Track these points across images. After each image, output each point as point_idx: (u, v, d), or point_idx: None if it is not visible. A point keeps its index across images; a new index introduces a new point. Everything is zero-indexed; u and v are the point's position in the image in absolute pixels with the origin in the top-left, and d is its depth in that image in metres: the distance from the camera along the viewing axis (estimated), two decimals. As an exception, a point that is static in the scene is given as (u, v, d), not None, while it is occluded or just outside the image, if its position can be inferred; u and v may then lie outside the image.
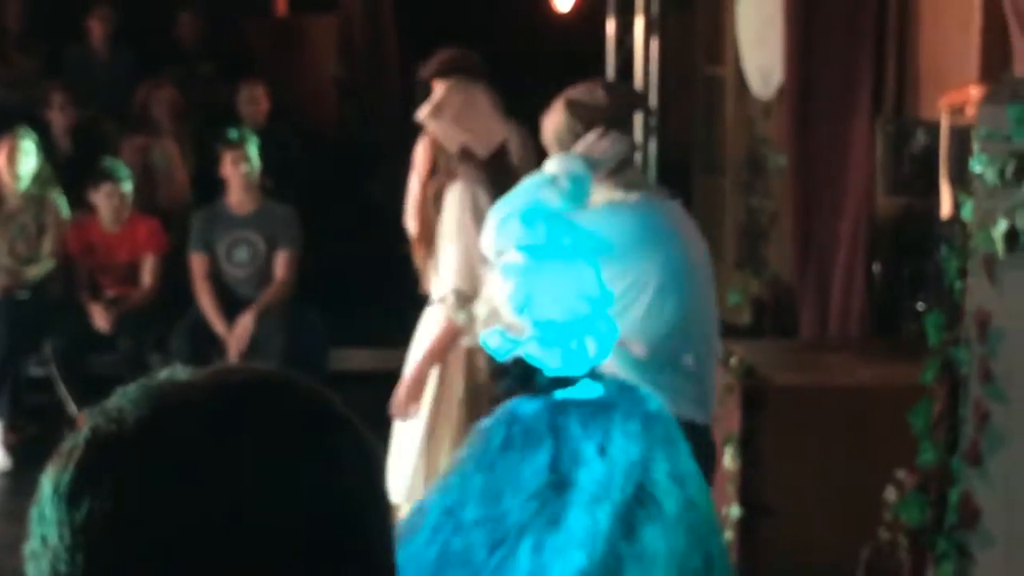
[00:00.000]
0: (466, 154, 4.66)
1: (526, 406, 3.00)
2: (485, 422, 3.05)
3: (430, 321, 4.73)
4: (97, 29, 9.30)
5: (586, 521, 2.91)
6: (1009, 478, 3.96)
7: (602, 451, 2.93)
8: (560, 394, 2.98)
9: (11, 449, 7.25)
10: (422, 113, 4.86)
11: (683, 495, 2.99)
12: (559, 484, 2.92)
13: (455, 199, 4.59)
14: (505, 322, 3.03)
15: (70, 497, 1.04)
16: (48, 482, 1.06)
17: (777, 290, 6.33)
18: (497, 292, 3.06)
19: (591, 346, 3.02)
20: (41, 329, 7.54)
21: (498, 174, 4.50)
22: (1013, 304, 3.93)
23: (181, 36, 9.56)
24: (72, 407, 7.39)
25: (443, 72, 5.06)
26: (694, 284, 3.87)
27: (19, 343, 7.52)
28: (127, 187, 7.62)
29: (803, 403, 4.99)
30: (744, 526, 4.98)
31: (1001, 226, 3.88)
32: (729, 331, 6.24)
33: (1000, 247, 3.89)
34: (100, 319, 7.45)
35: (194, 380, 1.09)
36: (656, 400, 3.11)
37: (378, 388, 6.03)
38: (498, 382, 3.08)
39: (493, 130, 4.43)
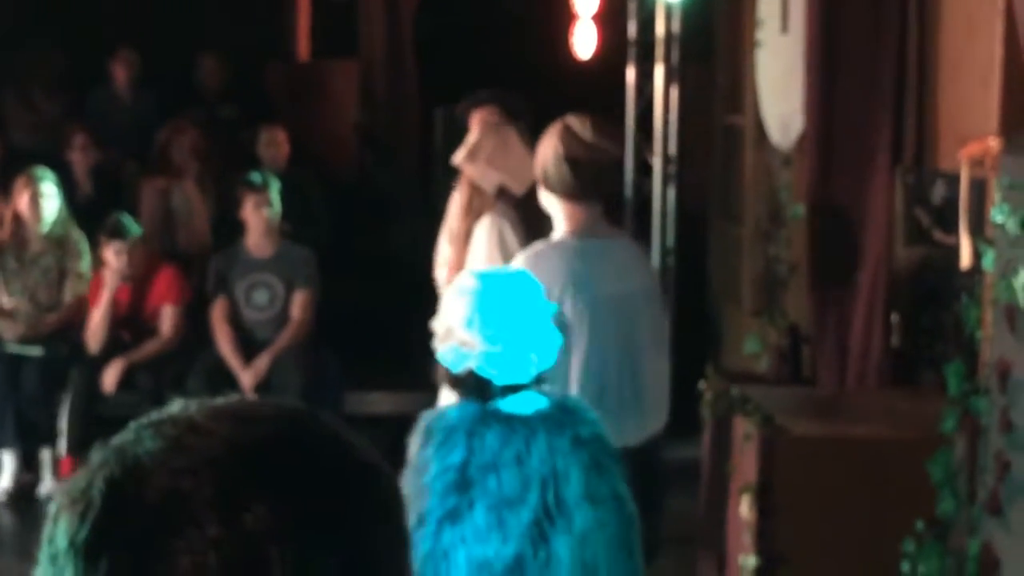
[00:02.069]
0: (503, 193, 4.80)
1: (454, 411, 3.24)
2: (424, 419, 3.26)
3: None
4: (120, 72, 9.37)
5: (492, 519, 3.12)
6: (1029, 529, 3.93)
7: (518, 459, 3.16)
8: (506, 403, 3.23)
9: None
10: (458, 157, 4.98)
11: (594, 515, 3.18)
12: (464, 483, 3.14)
13: (483, 234, 4.75)
14: (458, 338, 3.28)
15: (87, 554, 1.03)
16: (62, 532, 1.04)
17: (795, 339, 6.31)
18: (450, 311, 3.32)
19: (534, 357, 3.29)
20: (55, 386, 7.49)
21: (532, 212, 4.59)
22: (1033, 354, 3.91)
23: (203, 80, 9.62)
24: (63, 446, 7.37)
25: (483, 103, 5.19)
26: (611, 317, 4.13)
27: (26, 408, 7.48)
28: (135, 240, 7.50)
29: (821, 452, 4.96)
30: (761, 575, 4.95)
31: (1022, 276, 3.87)
32: (747, 379, 6.22)
33: (1021, 297, 3.88)
34: (109, 380, 7.40)
35: (212, 427, 1.06)
36: (596, 425, 3.29)
37: (393, 431, 6.03)
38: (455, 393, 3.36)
39: (527, 169, 4.52)
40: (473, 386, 3.25)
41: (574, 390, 4.05)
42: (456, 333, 3.28)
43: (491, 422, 3.19)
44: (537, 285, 3.42)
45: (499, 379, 3.26)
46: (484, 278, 3.39)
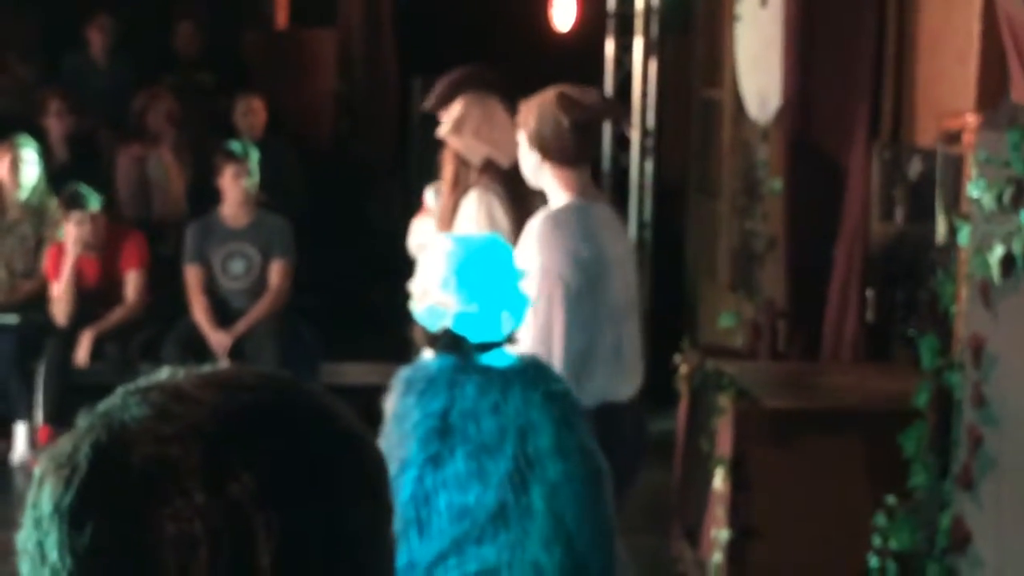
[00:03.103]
0: (490, 165, 4.82)
1: (434, 363, 3.38)
2: (403, 372, 3.37)
3: None
4: (96, 38, 9.30)
5: (472, 466, 3.24)
6: (1000, 502, 3.97)
7: (496, 408, 3.29)
8: (481, 358, 3.38)
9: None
10: (443, 130, 4.98)
11: (563, 468, 3.31)
12: (445, 430, 3.26)
13: (471, 207, 4.76)
14: (435, 298, 3.43)
15: (72, 519, 1.03)
16: (47, 496, 1.05)
17: (771, 313, 6.33)
18: (427, 273, 3.46)
19: (506, 316, 3.44)
20: (30, 354, 7.47)
21: (518, 184, 4.62)
22: (1008, 329, 3.93)
23: (180, 46, 9.56)
24: (39, 415, 7.36)
25: (462, 90, 5.17)
26: (608, 277, 4.24)
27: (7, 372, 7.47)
28: (96, 208, 7.41)
29: (795, 426, 4.99)
30: (733, 549, 4.98)
31: (997, 252, 3.89)
32: (722, 353, 6.24)
33: (996, 273, 3.90)
34: (81, 354, 7.37)
35: (199, 395, 1.07)
36: (562, 383, 3.46)
37: (369, 401, 6.03)
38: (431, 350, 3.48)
39: (512, 141, 4.54)
40: (450, 343, 3.39)
41: (581, 347, 4.12)
42: (432, 293, 3.42)
43: (470, 372, 3.33)
44: (509, 250, 3.57)
45: (474, 337, 3.40)
46: (459, 241, 3.54)
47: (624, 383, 4.30)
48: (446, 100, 5.31)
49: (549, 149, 4.33)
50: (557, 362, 4.02)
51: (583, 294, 4.12)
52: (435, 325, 3.42)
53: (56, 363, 7.38)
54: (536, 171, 4.39)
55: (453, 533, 3.21)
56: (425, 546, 3.20)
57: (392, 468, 3.09)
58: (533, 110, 4.38)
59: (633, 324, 4.39)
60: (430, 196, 5.69)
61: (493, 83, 5.24)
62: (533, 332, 4.07)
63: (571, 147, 4.34)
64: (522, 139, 4.41)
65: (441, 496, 3.22)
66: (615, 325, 4.26)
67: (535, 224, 4.24)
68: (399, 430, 3.26)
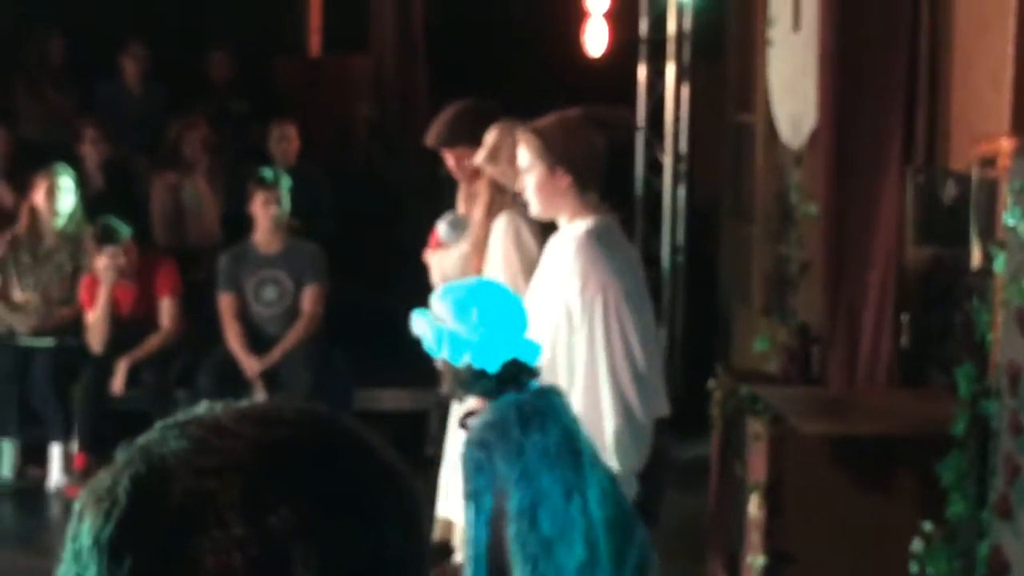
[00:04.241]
0: (518, 193, 4.83)
1: (525, 399, 3.45)
2: (497, 414, 3.43)
3: None
4: (130, 66, 9.36)
5: (602, 483, 3.45)
6: (1039, 532, 3.93)
7: (575, 430, 3.49)
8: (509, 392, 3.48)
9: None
10: (479, 159, 5.00)
11: (606, 474, 3.58)
12: (576, 453, 3.42)
13: (500, 231, 4.75)
14: (454, 329, 3.53)
15: (112, 552, 1.03)
16: (87, 530, 1.05)
17: (805, 338, 6.31)
18: (439, 309, 3.57)
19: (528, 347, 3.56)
20: (65, 378, 7.50)
21: None
22: (1044, 356, 3.90)
23: (213, 74, 9.62)
24: (75, 442, 7.38)
25: (460, 128, 5.25)
26: (644, 294, 4.30)
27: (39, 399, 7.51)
28: (128, 240, 7.45)
29: (830, 452, 4.96)
30: (769, 574, 4.95)
31: (1033, 278, 3.86)
32: (756, 378, 6.22)
33: (1032, 299, 3.88)
34: (117, 383, 7.40)
35: (237, 429, 1.07)
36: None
37: (403, 427, 6.04)
38: (455, 386, 3.58)
39: None
40: (508, 378, 3.46)
41: (635, 366, 4.14)
42: (451, 325, 3.52)
43: (546, 402, 3.46)
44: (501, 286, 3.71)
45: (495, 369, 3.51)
46: (471, 283, 3.71)
47: (664, 399, 4.31)
48: (447, 142, 5.41)
49: (581, 172, 4.29)
50: (624, 374, 4.01)
51: (638, 309, 4.13)
52: (459, 358, 3.48)
53: (92, 390, 7.41)
54: (558, 195, 4.31)
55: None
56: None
57: (522, 499, 3.30)
58: (557, 131, 4.31)
59: (654, 343, 4.40)
60: (443, 228, 5.71)
61: (491, 115, 5.29)
62: (584, 350, 4.05)
63: (602, 169, 4.31)
64: (538, 164, 4.33)
65: (596, 512, 3.39)
66: (649, 344, 4.26)
67: (576, 243, 4.20)
68: (530, 462, 3.33)
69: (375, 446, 1.11)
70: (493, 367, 3.47)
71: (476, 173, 5.39)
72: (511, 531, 3.32)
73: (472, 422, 3.48)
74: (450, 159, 5.58)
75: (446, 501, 5.13)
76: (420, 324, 3.61)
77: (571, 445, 3.43)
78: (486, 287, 3.65)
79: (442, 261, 5.65)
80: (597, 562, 3.37)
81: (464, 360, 3.48)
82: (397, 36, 10.05)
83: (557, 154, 4.28)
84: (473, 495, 3.39)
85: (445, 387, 3.72)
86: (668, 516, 4.29)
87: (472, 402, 3.61)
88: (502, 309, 3.52)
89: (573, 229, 4.27)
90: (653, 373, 4.20)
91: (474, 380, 3.48)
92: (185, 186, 8.55)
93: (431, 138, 5.60)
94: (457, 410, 5.07)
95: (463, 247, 5.55)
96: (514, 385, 3.45)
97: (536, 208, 4.40)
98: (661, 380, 4.33)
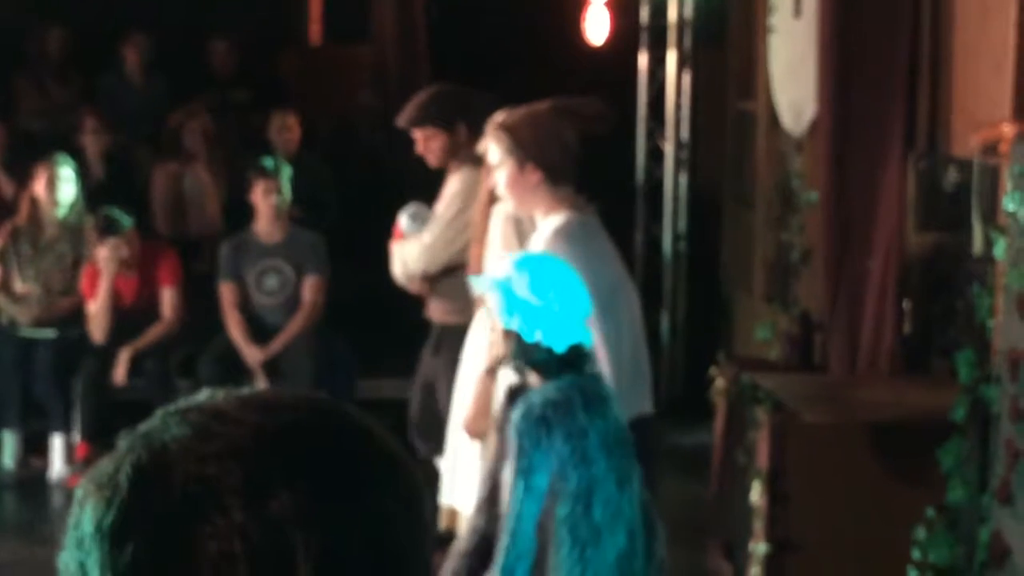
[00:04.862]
0: None
1: (584, 384, 3.46)
2: (562, 394, 3.42)
3: (478, 336, 4.90)
4: (131, 56, 9.36)
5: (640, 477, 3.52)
6: (1040, 517, 3.93)
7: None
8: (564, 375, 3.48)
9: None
10: (482, 147, 4.98)
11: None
12: (627, 442, 3.49)
13: (499, 221, 4.74)
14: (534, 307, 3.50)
15: (113, 538, 1.04)
16: (89, 517, 1.05)
17: (806, 325, 6.31)
18: (516, 280, 3.53)
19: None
20: (67, 368, 7.50)
21: None
22: (1046, 342, 3.91)
23: (214, 64, 9.61)
24: (77, 432, 7.39)
25: (431, 111, 5.30)
26: (620, 290, 4.24)
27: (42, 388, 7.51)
28: (130, 231, 7.46)
29: (832, 439, 4.97)
30: (771, 562, 4.96)
31: (1034, 264, 3.86)
32: (758, 366, 6.22)
33: (1033, 285, 3.88)
34: (119, 373, 7.41)
35: (239, 416, 1.07)
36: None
37: (404, 416, 6.04)
38: (518, 358, 3.54)
39: None
40: (574, 357, 3.48)
41: (617, 361, 4.13)
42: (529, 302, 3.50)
43: (605, 389, 3.52)
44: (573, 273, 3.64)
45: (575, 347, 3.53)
46: (548, 260, 3.68)
47: (647, 397, 4.28)
48: (415, 121, 5.45)
49: (553, 167, 4.23)
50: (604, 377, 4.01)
51: (607, 308, 4.07)
52: (530, 332, 3.48)
53: (93, 380, 7.42)
54: (529, 191, 4.24)
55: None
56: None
57: (578, 480, 3.34)
58: (525, 127, 4.25)
59: (643, 338, 4.37)
60: (404, 220, 5.74)
61: (465, 100, 5.32)
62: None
63: (573, 163, 4.25)
64: (507, 160, 4.26)
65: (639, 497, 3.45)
66: (633, 338, 4.22)
67: (543, 242, 4.16)
68: (591, 445, 3.36)
69: (377, 433, 1.11)
70: (560, 347, 3.47)
71: (443, 155, 5.44)
72: (562, 512, 3.33)
73: (534, 398, 3.45)
74: (419, 139, 5.61)
75: (451, 490, 5.14)
76: (490, 288, 3.61)
77: (623, 435, 3.45)
78: (559, 267, 3.61)
79: (403, 252, 5.67)
80: (635, 553, 3.38)
81: (536, 335, 3.47)
82: (398, 25, 10.04)
83: (526, 150, 4.22)
84: (525, 470, 3.38)
85: (498, 355, 3.77)
86: (669, 503, 4.29)
87: (510, 376, 3.63)
88: (573, 291, 3.52)
89: (546, 225, 4.23)
90: (630, 370, 4.14)
91: (540, 356, 3.47)
92: (186, 176, 8.55)
93: (402, 119, 5.65)
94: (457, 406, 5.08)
95: (425, 238, 5.58)
96: (574, 368, 3.46)
97: (510, 204, 4.38)
98: (644, 377, 4.27)
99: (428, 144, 5.59)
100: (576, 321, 3.50)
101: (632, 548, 3.36)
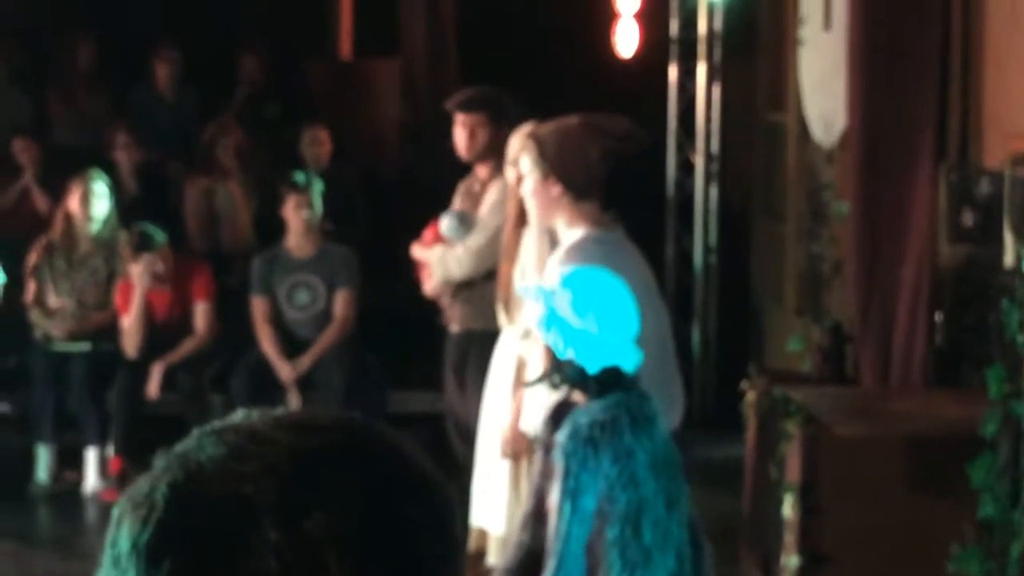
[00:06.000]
0: None
1: (631, 403, 3.43)
2: (564, 435, 3.39)
3: (507, 354, 4.87)
4: (162, 71, 9.40)
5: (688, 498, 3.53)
6: (1074, 531, 3.91)
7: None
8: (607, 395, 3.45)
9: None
10: (511, 155, 5.00)
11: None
12: (675, 463, 3.48)
13: (532, 239, 4.72)
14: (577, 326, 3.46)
15: (150, 557, 1.04)
16: (125, 535, 1.06)
17: (838, 337, 6.29)
18: (559, 295, 3.49)
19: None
20: (101, 382, 7.54)
21: None
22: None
23: (245, 78, 9.65)
24: (111, 446, 7.42)
25: (469, 110, 5.28)
26: (659, 303, 4.27)
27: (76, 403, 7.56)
28: (164, 246, 7.49)
29: (864, 452, 4.95)
30: (803, 575, 4.94)
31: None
32: (789, 378, 6.21)
33: (1065, 298, 3.86)
34: (152, 388, 7.44)
35: (274, 435, 1.08)
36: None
37: (437, 431, 6.05)
38: (554, 374, 3.52)
39: None
40: (608, 381, 3.44)
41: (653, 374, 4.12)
42: (574, 322, 3.46)
43: (653, 409, 3.47)
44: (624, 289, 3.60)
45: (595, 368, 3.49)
46: (595, 277, 3.63)
47: (676, 412, 4.26)
48: (468, 105, 5.42)
49: (575, 182, 4.23)
50: None
51: None
52: (563, 350, 3.47)
53: (127, 394, 7.45)
54: (551, 203, 4.26)
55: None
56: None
57: (630, 501, 3.32)
58: (552, 141, 4.26)
59: (672, 353, 4.34)
60: (447, 224, 5.66)
61: (514, 110, 5.32)
62: None
63: (598, 180, 4.24)
64: (534, 170, 4.27)
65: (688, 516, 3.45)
66: (660, 354, 4.20)
67: (557, 257, 4.16)
68: (640, 467, 3.33)
69: (409, 453, 1.12)
70: (593, 368, 3.44)
71: (482, 149, 5.42)
72: (611, 534, 3.30)
73: (581, 418, 3.42)
74: (464, 124, 5.57)
75: (481, 511, 5.10)
76: (536, 299, 3.59)
77: (671, 455, 3.42)
78: (608, 286, 3.56)
79: (446, 257, 5.60)
80: (684, 575, 3.36)
81: (568, 353, 3.45)
82: (428, 39, 10.07)
83: (550, 163, 4.25)
84: (572, 492, 3.35)
85: (536, 371, 3.76)
86: (702, 516, 4.28)
87: (553, 394, 3.62)
88: (618, 312, 3.48)
89: (566, 239, 4.24)
90: (654, 386, 4.14)
91: (575, 376, 3.45)
92: (219, 191, 8.59)
93: (453, 101, 5.61)
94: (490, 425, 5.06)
95: (471, 243, 5.52)
96: (619, 387, 3.43)
97: (533, 214, 4.38)
98: (671, 392, 4.24)
99: (473, 131, 5.55)
100: (617, 343, 3.45)
101: (681, 569, 3.33)
